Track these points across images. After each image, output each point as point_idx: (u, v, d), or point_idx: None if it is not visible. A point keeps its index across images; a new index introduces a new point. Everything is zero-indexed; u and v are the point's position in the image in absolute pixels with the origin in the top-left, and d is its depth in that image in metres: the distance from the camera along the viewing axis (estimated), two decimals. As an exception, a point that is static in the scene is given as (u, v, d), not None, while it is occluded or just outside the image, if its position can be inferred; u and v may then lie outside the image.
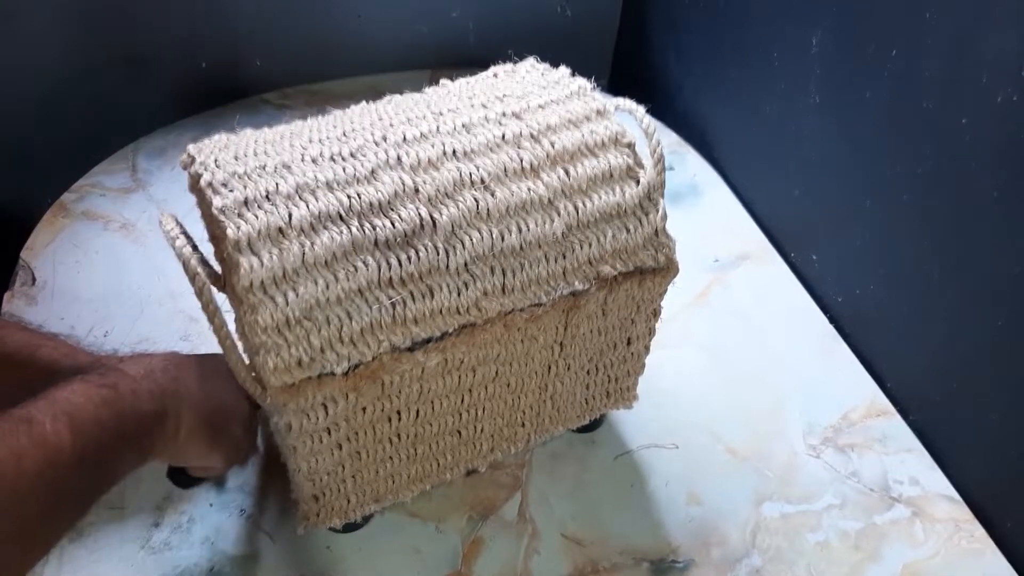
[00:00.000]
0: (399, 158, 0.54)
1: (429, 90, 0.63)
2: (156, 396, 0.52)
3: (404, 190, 0.53)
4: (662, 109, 1.14)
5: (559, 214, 0.56)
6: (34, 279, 0.88)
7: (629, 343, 0.67)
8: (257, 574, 0.67)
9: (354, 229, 0.51)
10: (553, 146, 0.57)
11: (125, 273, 0.89)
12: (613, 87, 1.29)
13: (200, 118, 1.09)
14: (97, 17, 1.00)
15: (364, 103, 0.62)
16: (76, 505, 0.44)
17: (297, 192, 0.51)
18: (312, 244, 0.50)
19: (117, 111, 1.07)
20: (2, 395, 0.51)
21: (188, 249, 0.52)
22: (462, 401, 0.61)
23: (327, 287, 0.50)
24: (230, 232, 0.49)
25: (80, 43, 1.01)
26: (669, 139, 1.10)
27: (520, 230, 0.55)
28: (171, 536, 0.68)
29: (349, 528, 0.68)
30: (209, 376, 0.58)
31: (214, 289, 0.53)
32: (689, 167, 1.07)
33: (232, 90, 1.11)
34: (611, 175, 0.58)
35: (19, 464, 0.39)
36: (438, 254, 0.53)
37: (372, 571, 0.67)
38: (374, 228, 0.52)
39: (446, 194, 0.54)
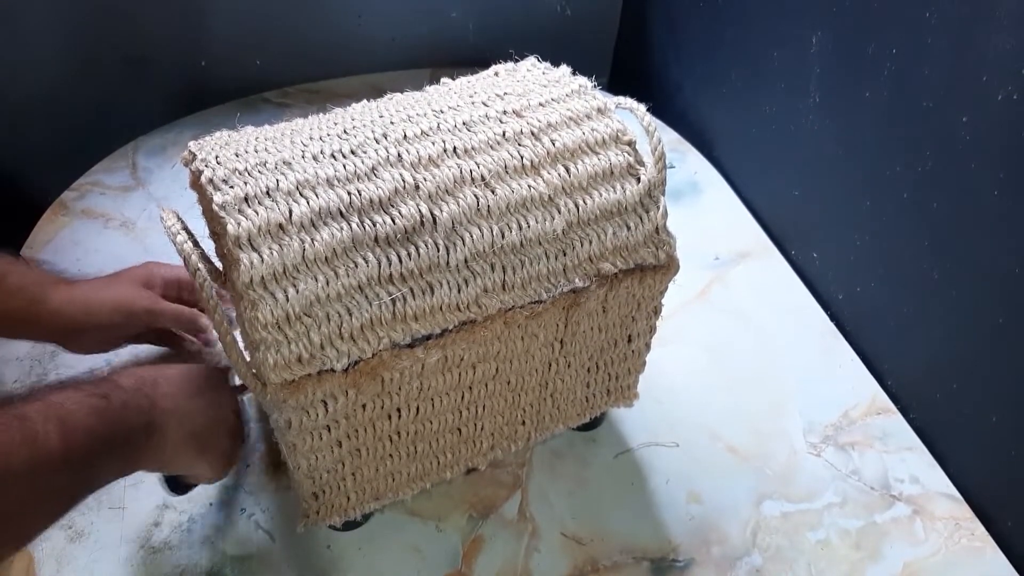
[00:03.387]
0: (400, 155, 0.54)
1: (430, 88, 0.63)
2: (145, 410, 0.53)
3: (404, 187, 0.53)
4: (662, 108, 1.15)
5: (559, 211, 0.56)
6: (34, 277, 0.88)
7: (630, 341, 0.67)
8: (257, 574, 0.67)
9: (354, 225, 0.51)
10: (554, 144, 0.57)
11: (125, 271, 0.88)
12: (613, 86, 1.29)
13: (200, 117, 1.09)
14: (97, 17, 1.00)
15: (365, 101, 0.62)
16: (57, 505, 0.45)
17: (298, 189, 0.51)
18: (312, 240, 0.50)
19: (117, 110, 1.07)
20: None
21: (189, 245, 0.52)
22: (462, 398, 0.61)
23: (327, 283, 0.50)
24: (230, 228, 0.49)
25: (80, 43, 1.01)
26: (669, 137, 1.10)
27: (520, 227, 0.55)
28: (171, 536, 0.68)
29: (349, 526, 0.68)
30: (197, 391, 0.59)
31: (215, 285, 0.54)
32: (690, 165, 1.07)
33: (232, 89, 1.11)
34: (612, 173, 0.58)
35: (7, 458, 0.41)
36: (438, 251, 0.53)
37: (372, 570, 0.67)
38: (374, 224, 0.52)
39: (446, 191, 0.54)
